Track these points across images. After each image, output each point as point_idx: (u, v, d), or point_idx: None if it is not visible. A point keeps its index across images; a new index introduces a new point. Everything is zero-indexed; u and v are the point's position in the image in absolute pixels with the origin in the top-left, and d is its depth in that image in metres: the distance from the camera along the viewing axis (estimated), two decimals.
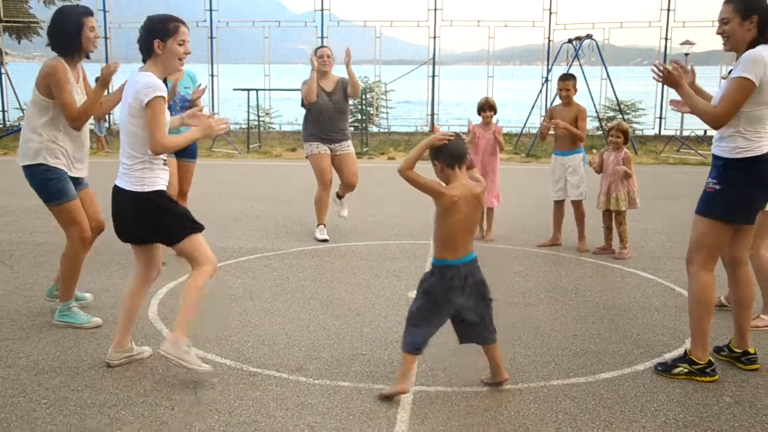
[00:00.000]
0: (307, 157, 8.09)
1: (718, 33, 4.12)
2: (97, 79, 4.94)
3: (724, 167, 4.09)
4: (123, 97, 4.16)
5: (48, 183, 4.89)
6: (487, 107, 7.82)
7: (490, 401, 3.92)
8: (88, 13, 4.98)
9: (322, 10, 19.07)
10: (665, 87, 18.72)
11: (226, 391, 3.99)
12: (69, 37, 4.85)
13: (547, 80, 18.22)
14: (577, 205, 7.45)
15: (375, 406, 3.83)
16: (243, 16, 21.69)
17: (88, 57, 5.04)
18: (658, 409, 3.85)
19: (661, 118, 19.00)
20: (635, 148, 16.16)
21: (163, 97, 4.01)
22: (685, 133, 17.95)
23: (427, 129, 19.71)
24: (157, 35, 4.08)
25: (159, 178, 4.13)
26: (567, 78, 7.56)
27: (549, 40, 19.03)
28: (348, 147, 8.07)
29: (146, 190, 4.06)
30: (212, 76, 19.31)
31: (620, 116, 17.63)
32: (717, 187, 4.10)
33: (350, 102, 8.26)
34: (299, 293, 5.87)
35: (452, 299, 3.89)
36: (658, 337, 4.92)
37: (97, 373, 4.20)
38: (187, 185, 6.99)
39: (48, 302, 5.36)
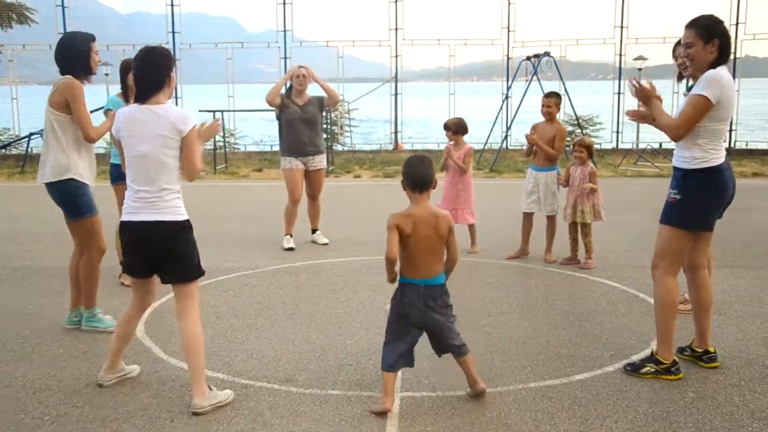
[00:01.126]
0: (281, 170, 8.54)
1: (683, 57, 4.43)
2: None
3: (683, 177, 4.41)
4: (140, 130, 4.09)
5: (78, 198, 5.17)
6: (445, 127, 8.12)
7: (473, 404, 4.17)
8: (93, 38, 5.30)
9: (284, 30, 19.32)
10: (621, 101, 19.23)
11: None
12: (80, 60, 5.16)
13: (507, 97, 18.67)
14: (551, 219, 7.77)
15: (365, 412, 4.05)
16: (201, 36, 21.85)
17: (89, 80, 5.34)
18: (629, 406, 4.14)
19: (618, 132, 19.58)
20: (594, 161, 16.63)
21: (196, 125, 4.15)
22: (641, 146, 18.53)
23: (390, 147, 20.03)
24: (171, 66, 4.19)
25: (184, 208, 4.20)
26: (549, 96, 7.86)
27: (508, 58, 19.52)
28: (320, 163, 8.55)
29: (182, 218, 4.13)
30: (177, 98, 19.39)
31: (579, 131, 18.14)
32: (678, 197, 4.42)
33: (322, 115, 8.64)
34: (281, 309, 6.06)
35: (412, 316, 4.07)
36: (625, 340, 5.22)
37: (95, 391, 4.35)
38: None
39: (68, 328, 5.50)
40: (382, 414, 4.01)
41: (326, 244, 8.59)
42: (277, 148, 18.94)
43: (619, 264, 7.56)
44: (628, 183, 14.47)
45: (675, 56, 5.51)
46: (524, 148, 8.03)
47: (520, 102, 17.15)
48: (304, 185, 8.49)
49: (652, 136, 18.67)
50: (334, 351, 5.04)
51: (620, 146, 19.32)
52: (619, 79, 19.43)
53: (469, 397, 4.25)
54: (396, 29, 19.40)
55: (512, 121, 18.04)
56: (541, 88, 16.71)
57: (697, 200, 4.41)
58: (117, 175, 6.61)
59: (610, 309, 6.03)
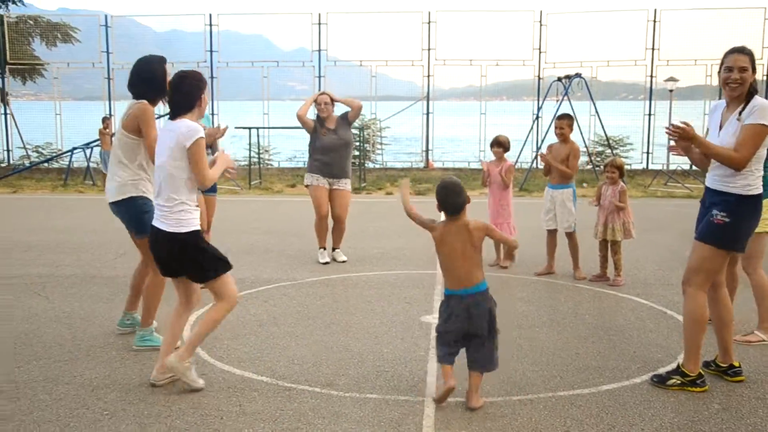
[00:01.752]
0: (305, 186, 8.78)
1: (733, 78, 4.56)
2: None
3: (736, 203, 4.56)
4: (161, 144, 4.59)
5: (144, 216, 5.29)
6: (495, 144, 8.43)
7: (505, 409, 4.38)
8: (165, 60, 5.54)
9: (319, 50, 19.74)
10: (652, 122, 19.24)
11: (267, 403, 4.43)
12: (160, 84, 5.34)
13: (538, 117, 18.86)
14: (570, 236, 7.97)
15: (403, 415, 4.28)
16: (234, 53, 22.34)
17: (164, 102, 5.51)
18: (655, 414, 4.32)
19: (648, 152, 19.66)
20: (624, 181, 16.73)
21: (203, 137, 4.51)
22: (672, 167, 18.60)
23: (422, 165, 20.30)
24: (203, 89, 4.62)
25: (195, 219, 4.59)
26: (561, 118, 8.13)
27: (539, 78, 19.73)
28: (345, 185, 8.73)
29: (184, 231, 4.52)
30: (212, 114, 19.88)
31: (609, 151, 18.27)
32: (727, 219, 4.56)
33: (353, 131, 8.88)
34: (319, 319, 6.32)
35: (456, 325, 4.40)
36: (652, 354, 5.39)
37: (147, 390, 4.64)
38: (212, 217, 7.64)
39: (119, 332, 5.79)
40: (447, 393, 4.39)
41: (344, 261, 8.70)
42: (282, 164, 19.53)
43: (647, 282, 7.71)
44: (658, 204, 14.56)
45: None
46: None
47: (551, 122, 17.28)
48: (329, 203, 8.69)
49: (683, 158, 18.71)
50: (371, 358, 5.28)
51: (650, 167, 19.41)
52: (650, 100, 19.55)
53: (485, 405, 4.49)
54: (429, 49, 19.72)
55: (543, 141, 18.18)
56: (572, 108, 16.93)
57: (746, 224, 4.62)
58: None
59: (638, 324, 6.19)
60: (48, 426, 4.10)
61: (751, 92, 4.57)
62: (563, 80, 17.74)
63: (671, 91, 18.93)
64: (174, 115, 4.60)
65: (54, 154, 19.88)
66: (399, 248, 9.51)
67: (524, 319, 6.34)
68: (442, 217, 4.58)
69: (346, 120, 8.63)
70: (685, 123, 4.66)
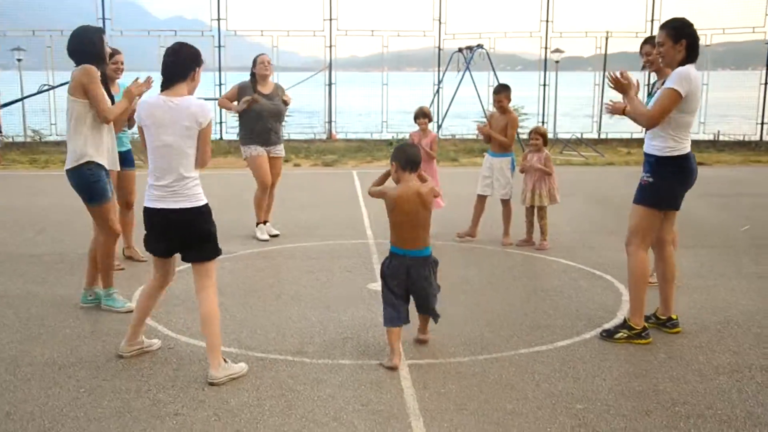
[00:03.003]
0: (245, 159, 8.55)
1: (656, 53, 4.97)
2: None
3: (656, 163, 4.95)
4: (162, 122, 4.31)
5: (93, 185, 5.39)
6: (421, 115, 8.55)
7: (475, 368, 4.60)
8: (103, 31, 5.67)
9: (218, 19, 19.26)
10: (546, 93, 19.94)
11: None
12: (95, 51, 5.40)
13: (439, 88, 19.19)
14: (505, 203, 8.27)
15: (380, 378, 4.43)
16: (124, 22, 21.38)
17: (103, 70, 5.52)
18: (611, 366, 4.66)
19: (543, 122, 20.40)
20: (523, 149, 17.32)
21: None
22: (565, 136, 19.41)
23: (324, 136, 20.27)
24: (198, 64, 4.44)
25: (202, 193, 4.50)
26: (498, 91, 8.36)
27: (439, 49, 20.04)
28: (280, 151, 8.66)
29: (202, 203, 4.44)
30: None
31: None
32: (650, 180, 4.97)
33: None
34: (267, 290, 6.34)
35: (397, 283, 4.65)
36: (594, 312, 5.75)
37: (118, 366, 4.57)
38: (133, 195, 7.16)
39: (82, 307, 5.74)
40: (393, 369, 4.51)
41: (277, 235, 8.55)
42: (224, 137, 19.04)
43: (569, 245, 8.12)
44: (558, 171, 15.15)
45: (642, 53, 6.08)
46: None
47: (454, 93, 17.66)
48: None
49: (573, 127, 19.64)
50: (333, 326, 5.37)
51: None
52: (545, 71, 20.25)
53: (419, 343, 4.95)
54: (330, 20, 19.62)
55: (446, 112, 18.54)
56: (472, 79, 17.36)
57: (667, 183, 4.97)
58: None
59: (573, 284, 6.56)
60: (25, 406, 3.99)
61: (684, 62, 4.89)
62: (464, 51, 18.06)
63: (557, 62, 19.77)
64: (167, 81, 4.35)
65: None
66: (323, 219, 9.56)
67: (466, 283, 6.59)
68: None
69: (281, 91, 8.53)
70: (625, 74, 4.97)
